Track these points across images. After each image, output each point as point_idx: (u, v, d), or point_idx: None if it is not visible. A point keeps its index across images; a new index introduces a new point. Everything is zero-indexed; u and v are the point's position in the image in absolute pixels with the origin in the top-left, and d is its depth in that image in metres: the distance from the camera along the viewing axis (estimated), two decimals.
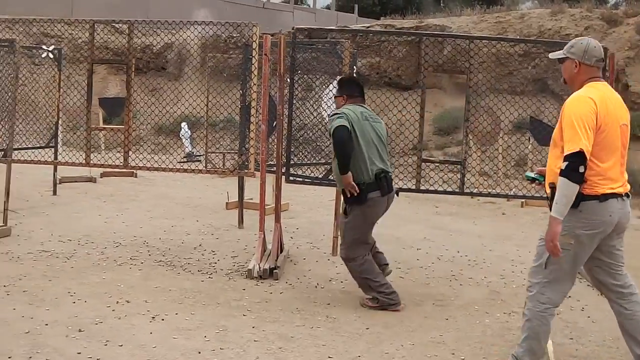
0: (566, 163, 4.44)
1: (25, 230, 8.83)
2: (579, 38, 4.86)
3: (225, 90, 6.58)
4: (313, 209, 11.29)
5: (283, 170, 7.87)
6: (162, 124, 17.19)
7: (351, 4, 44.02)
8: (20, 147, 10.43)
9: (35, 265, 7.24)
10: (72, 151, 11.08)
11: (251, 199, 10.44)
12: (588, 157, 4.44)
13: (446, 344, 5.08)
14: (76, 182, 13.09)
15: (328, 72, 9.09)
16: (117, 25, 21.56)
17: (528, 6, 21.06)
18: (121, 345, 5.17)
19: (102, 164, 8.36)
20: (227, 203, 10.85)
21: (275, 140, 7.98)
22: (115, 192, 12.30)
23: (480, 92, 7.05)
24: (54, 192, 11.62)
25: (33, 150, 10.95)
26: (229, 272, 7.28)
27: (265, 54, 7.24)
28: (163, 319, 5.70)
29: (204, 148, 14.65)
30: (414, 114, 8.48)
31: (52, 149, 11.21)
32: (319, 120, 9.52)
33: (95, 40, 8.18)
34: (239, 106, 9.05)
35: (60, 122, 11.09)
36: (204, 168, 10.73)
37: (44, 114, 11.86)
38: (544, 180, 4.91)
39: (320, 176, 8.54)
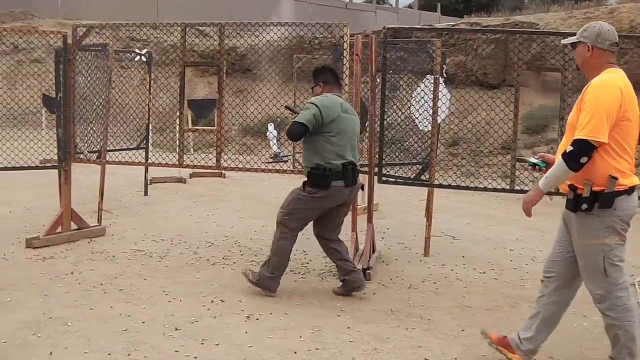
0: (572, 148, 4.41)
1: (119, 230, 8.99)
2: (592, 22, 4.73)
3: (310, 91, 6.55)
4: (403, 209, 11.20)
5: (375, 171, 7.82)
6: (248, 125, 17.34)
7: (433, 2, 43.75)
8: (112, 149, 10.62)
9: (130, 264, 7.37)
10: (161, 152, 11.25)
11: None
12: (596, 148, 4.35)
13: (543, 347, 4.96)
14: (166, 182, 13.28)
15: (417, 71, 9.02)
16: (201, 28, 21.90)
17: (618, 0, 20.49)
18: (217, 344, 5.22)
19: (195, 165, 8.42)
20: None
21: (367, 140, 7.92)
22: (204, 193, 12.42)
23: (576, 90, 6.84)
24: (145, 193, 11.81)
25: (125, 151, 11.16)
26: (321, 272, 7.27)
27: (357, 54, 7.21)
28: (257, 319, 5.72)
29: (291, 149, 14.69)
30: (502, 112, 8.35)
31: (143, 150, 11.40)
32: (408, 120, 9.45)
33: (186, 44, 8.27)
34: None
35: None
36: (290, 168, 10.73)
37: (133, 116, 12.07)
38: (546, 166, 4.82)
39: (412, 176, 8.45)
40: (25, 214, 10.04)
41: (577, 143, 4.37)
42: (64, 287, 6.59)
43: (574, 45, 4.72)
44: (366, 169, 7.87)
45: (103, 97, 8.93)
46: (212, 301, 6.23)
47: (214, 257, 7.69)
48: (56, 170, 8.87)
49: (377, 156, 7.75)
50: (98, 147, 8.97)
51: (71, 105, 8.39)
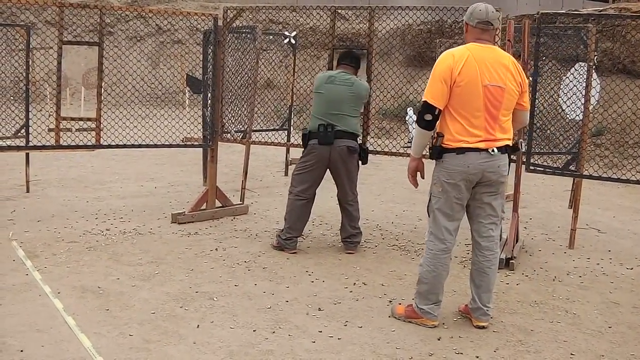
0: (418, 110, 5.06)
1: (261, 209, 9.13)
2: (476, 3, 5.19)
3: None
4: (545, 198, 10.92)
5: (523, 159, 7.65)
6: (387, 108, 17.28)
7: None
8: (256, 129, 10.77)
9: (273, 244, 7.45)
10: (296, 134, 11.32)
11: None
12: (437, 107, 4.95)
13: None
14: None
15: (563, 58, 8.76)
16: (340, 11, 21.94)
17: None
18: (360, 327, 5.22)
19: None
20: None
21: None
22: None
23: None
24: (285, 173, 11.94)
25: (267, 132, 11.30)
26: (463, 260, 7.16)
27: (509, 40, 7.05)
28: (400, 304, 5.68)
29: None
30: None
31: (285, 132, 11.52)
32: (553, 107, 9.20)
33: (326, 27, 8.29)
34: None
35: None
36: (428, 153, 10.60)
37: (275, 98, 12.20)
38: None
39: (560, 166, 8.22)
40: (169, 190, 10.34)
41: (421, 104, 5.03)
42: (209, 262, 6.74)
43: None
44: (513, 157, 7.70)
45: (250, 78, 9.05)
46: (354, 283, 6.24)
47: None
48: (197, 149, 9.07)
49: (525, 144, 7.57)
50: (244, 127, 9.10)
51: (220, 86, 8.54)
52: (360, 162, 7.33)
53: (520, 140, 5.49)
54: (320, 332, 5.10)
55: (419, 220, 8.90)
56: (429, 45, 19.70)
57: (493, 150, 5.01)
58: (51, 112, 9.23)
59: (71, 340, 4.81)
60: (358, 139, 7.21)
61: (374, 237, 7.90)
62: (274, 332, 5.07)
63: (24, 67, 9.32)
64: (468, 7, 5.23)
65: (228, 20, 8.52)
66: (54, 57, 8.74)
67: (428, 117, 4.99)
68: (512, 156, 5.41)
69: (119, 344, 4.79)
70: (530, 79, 7.65)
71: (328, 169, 7.18)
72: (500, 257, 6.82)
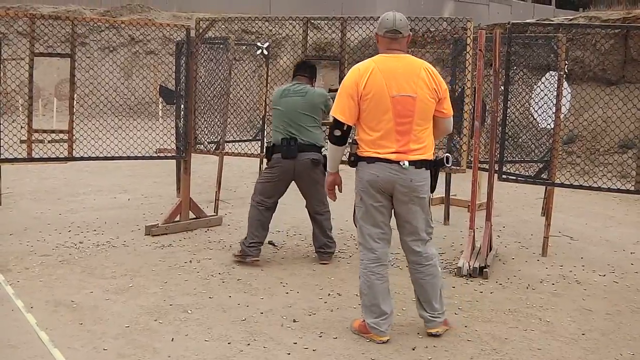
0: (329, 126, 5.16)
1: (235, 220, 9.12)
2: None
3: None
4: (518, 207, 10.98)
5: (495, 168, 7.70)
6: None
7: None
8: (229, 140, 10.75)
9: (235, 254, 7.43)
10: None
11: (455, 195, 10.28)
12: (345, 122, 5.00)
13: None
14: None
15: (533, 66, 8.84)
16: (314, 22, 21.97)
17: None
18: (335, 338, 5.24)
19: None
20: (430, 199, 10.67)
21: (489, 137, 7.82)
22: None
23: None
24: None
25: (241, 143, 11.28)
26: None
27: (480, 50, 7.11)
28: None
29: None
30: (619, 110, 8.09)
31: (259, 142, 11.49)
32: (524, 116, 9.27)
33: (295, 37, 8.31)
34: None
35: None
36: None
37: (247, 108, 12.17)
38: None
39: (530, 174, 8.27)
40: (143, 202, 10.31)
41: (331, 120, 5.09)
42: (183, 275, 6.73)
43: None
44: (485, 165, 7.75)
45: (223, 89, 9.05)
46: (329, 294, 6.26)
47: None
48: (170, 160, 9.04)
49: (497, 153, 7.62)
50: (217, 138, 9.10)
51: (193, 97, 8.53)
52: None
53: (447, 154, 5.45)
54: (295, 343, 5.11)
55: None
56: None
57: (404, 164, 4.96)
58: (23, 124, 9.18)
59: (44, 356, 4.81)
60: (323, 149, 7.20)
61: (348, 248, 7.91)
62: (248, 344, 5.07)
63: None
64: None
65: (200, 31, 8.51)
66: (25, 69, 8.70)
67: (337, 132, 5.06)
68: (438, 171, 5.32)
69: (92, 358, 4.79)
70: (502, 87, 7.72)
71: (293, 181, 7.26)
72: (474, 265, 6.89)
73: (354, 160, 5.11)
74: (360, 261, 5.26)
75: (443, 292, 5.43)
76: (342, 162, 5.48)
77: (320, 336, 5.26)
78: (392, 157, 4.95)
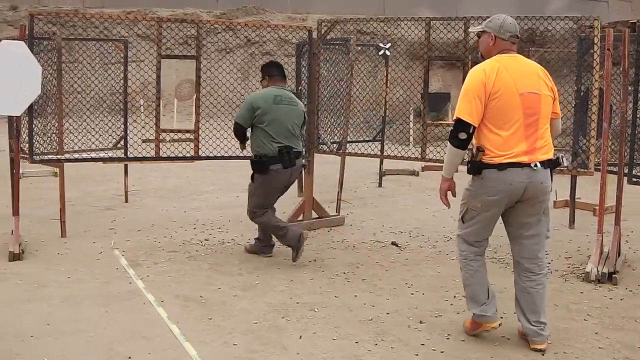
0: (451, 129, 4.93)
1: (357, 220, 9.13)
2: (498, 14, 5.12)
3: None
4: None
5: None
6: None
7: None
8: (350, 140, 10.79)
9: (371, 255, 7.47)
10: (391, 145, 11.29)
11: (579, 198, 10.02)
12: (472, 124, 4.82)
13: None
14: (399, 175, 13.35)
15: None
16: (433, 23, 21.74)
17: None
18: (463, 340, 5.17)
19: (437, 159, 8.34)
20: (554, 202, 10.47)
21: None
22: (437, 187, 12.24)
23: None
24: (379, 184, 11.91)
25: (360, 143, 11.29)
26: (564, 273, 7.01)
27: (608, 49, 6.91)
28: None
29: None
30: None
31: (378, 142, 11.50)
32: None
33: (411, 37, 8.27)
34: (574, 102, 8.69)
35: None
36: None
37: (362, 109, 12.18)
38: None
39: None
40: None
41: (455, 122, 4.90)
42: (308, 273, 6.78)
43: (479, 34, 5.12)
44: (612, 168, 7.52)
45: (344, 90, 9.08)
46: (454, 296, 6.18)
47: (453, 252, 7.55)
48: None
49: (627, 155, 7.39)
50: (339, 138, 9.14)
51: (315, 98, 8.58)
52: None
53: (562, 155, 5.31)
54: (423, 345, 5.07)
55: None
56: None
57: (536, 165, 4.86)
58: (143, 123, 9.42)
59: (176, 349, 4.90)
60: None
61: None
62: (376, 344, 5.06)
63: (117, 80, 9.57)
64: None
65: (322, 32, 8.56)
66: (144, 70, 8.96)
67: (462, 135, 4.87)
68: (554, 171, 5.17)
69: (223, 353, 4.86)
70: (631, 87, 7.49)
71: None
72: (602, 271, 6.69)
73: (478, 167, 4.92)
74: (460, 252, 5.24)
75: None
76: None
77: (448, 338, 5.20)
78: (525, 158, 4.83)
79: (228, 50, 26.66)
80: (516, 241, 5.16)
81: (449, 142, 4.95)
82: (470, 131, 4.86)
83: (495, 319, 5.17)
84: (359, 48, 18.83)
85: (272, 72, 7.38)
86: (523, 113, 4.84)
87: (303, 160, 7.40)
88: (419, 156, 8.48)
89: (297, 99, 7.38)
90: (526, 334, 5.11)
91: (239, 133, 7.33)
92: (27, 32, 7.65)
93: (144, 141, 8.93)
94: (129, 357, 4.74)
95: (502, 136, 4.84)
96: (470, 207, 5.08)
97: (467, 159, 5.05)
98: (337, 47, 9.75)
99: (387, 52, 10.58)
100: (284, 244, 7.22)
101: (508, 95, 4.82)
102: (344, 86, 9.31)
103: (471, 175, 5.01)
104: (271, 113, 7.08)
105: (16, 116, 7.32)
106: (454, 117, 4.91)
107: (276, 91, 7.23)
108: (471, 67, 5.49)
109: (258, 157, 7.15)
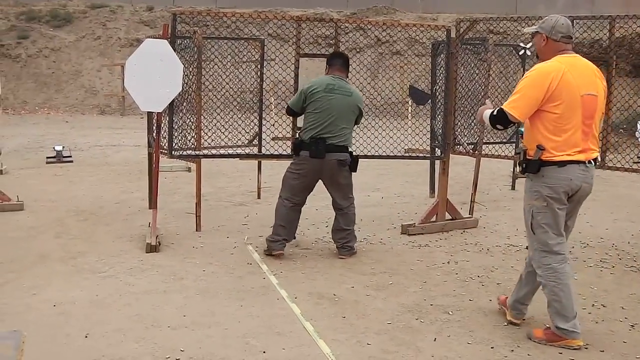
0: (495, 115, 5.04)
1: (491, 223, 8.99)
2: (552, 15, 5.17)
3: None
4: None
5: None
6: (612, 122, 16.57)
7: None
8: (485, 141, 10.64)
9: (505, 259, 7.35)
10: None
11: None
12: (515, 121, 4.96)
13: None
14: None
15: None
16: (577, 21, 21.18)
17: None
18: (602, 351, 5.02)
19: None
20: None
21: None
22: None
23: None
24: (513, 187, 11.65)
25: (494, 144, 11.11)
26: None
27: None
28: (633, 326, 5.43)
29: None
30: None
31: (512, 145, 11.28)
32: None
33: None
34: None
35: None
36: None
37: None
38: None
39: None
40: (396, 201, 10.42)
41: (499, 111, 5.01)
42: (441, 275, 6.72)
43: (533, 34, 5.18)
44: None
45: (482, 90, 8.98)
46: (592, 305, 6.00)
47: (590, 259, 7.40)
48: (419, 160, 9.05)
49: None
50: (475, 139, 9.03)
51: (453, 98, 8.51)
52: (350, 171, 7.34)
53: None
54: (561, 353, 4.95)
55: None
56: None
57: (590, 163, 4.99)
58: (273, 122, 9.55)
59: (310, 345, 4.96)
60: (349, 149, 7.25)
61: (610, 257, 7.52)
62: (512, 350, 4.98)
63: (248, 78, 9.74)
64: None
65: (461, 31, 8.47)
66: (275, 69, 9.11)
67: (500, 127, 5.12)
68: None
69: (357, 352, 4.88)
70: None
71: (320, 179, 7.29)
72: None
73: (538, 165, 4.97)
74: (545, 267, 5.08)
75: None
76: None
77: (587, 348, 5.05)
78: (582, 156, 4.94)
79: (358, 49, 26.76)
80: None
81: (489, 119, 5.11)
82: (507, 127, 5.16)
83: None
84: (517, 49, 18.59)
85: (334, 61, 7.33)
86: (582, 115, 4.92)
87: (342, 156, 7.12)
88: None
89: (354, 91, 7.25)
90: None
91: (290, 115, 7.72)
92: (169, 30, 7.86)
93: (273, 139, 9.04)
94: (264, 352, 4.82)
95: (562, 137, 4.92)
96: (535, 210, 5.07)
97: (520, 158, 5.18)
98: (469, 47, 9.62)
99: (528, 52, 10.39)
100: (267, 244, 7.30)
101: (570, 99, 4.87)
102: (478, 86, 9.18)
103: (528, 178, 5.11)
104: (320, 101, 7.06)
105: (157, 113, 7.51)
106: (502, 107, 5.03)
107: (331, 80, 7.17)
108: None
109: (298, 140, 7.27)
